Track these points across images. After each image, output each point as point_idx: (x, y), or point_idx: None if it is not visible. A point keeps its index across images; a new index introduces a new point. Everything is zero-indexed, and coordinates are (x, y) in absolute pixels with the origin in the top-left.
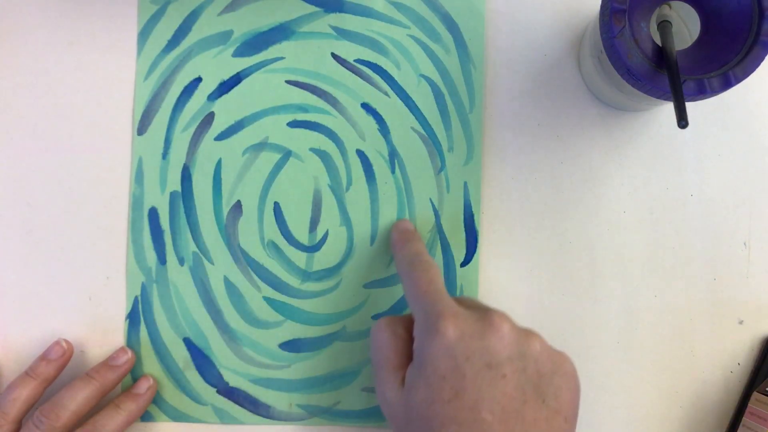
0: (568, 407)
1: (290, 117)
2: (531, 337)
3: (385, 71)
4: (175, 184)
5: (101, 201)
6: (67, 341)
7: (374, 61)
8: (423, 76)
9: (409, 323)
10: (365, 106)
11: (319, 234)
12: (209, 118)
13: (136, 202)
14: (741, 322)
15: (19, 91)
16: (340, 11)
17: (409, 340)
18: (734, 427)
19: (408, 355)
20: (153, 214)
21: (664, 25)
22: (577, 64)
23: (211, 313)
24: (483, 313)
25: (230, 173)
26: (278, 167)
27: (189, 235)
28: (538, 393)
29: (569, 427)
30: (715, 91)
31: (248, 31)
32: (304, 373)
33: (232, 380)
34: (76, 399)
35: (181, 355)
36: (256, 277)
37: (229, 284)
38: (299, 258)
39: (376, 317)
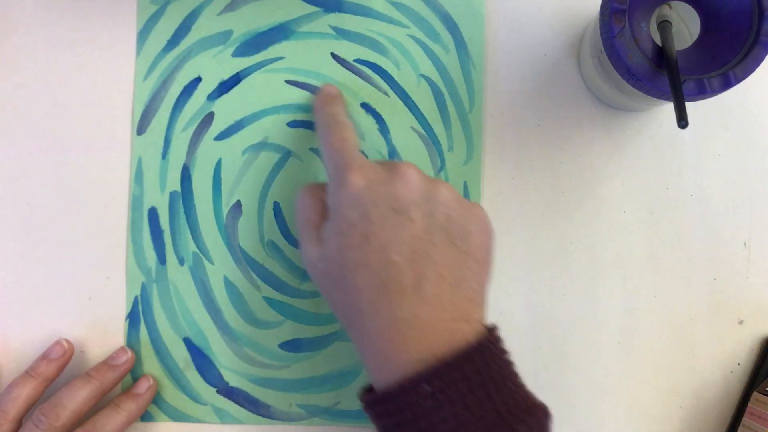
0: (479, 250)
1: (290, 117)
2: (439, 184)
3: (385, 71)
4: (174, 184)
5: (101, 201)
6: (68, 341)
7: (374, 61)
8: (423, 75)
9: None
10: (365, 106)
11: None
12: (209, 118)
13: (136, 202)
14: (741, 322)
15: (19, 91)
16: (340, 11)
17: None
18: (734, 427)
19: (327, 215)
20: (153, 214)
21: (664, 25)
22: (577, 64)
23: (211, 313)
24: (390, 164)
25: (230, 173)
26: (278, 167)
27: (189, 235)
28: (448, 236)
29: (480, 268)
30: (715, 91)
31: (248, 31)
32: (304, 373)
33: (232, 380)
34: (75, 398)
35: (181, 355)
36: (256, 277)
37: (229, 284)
38: (299, 258)
39: None
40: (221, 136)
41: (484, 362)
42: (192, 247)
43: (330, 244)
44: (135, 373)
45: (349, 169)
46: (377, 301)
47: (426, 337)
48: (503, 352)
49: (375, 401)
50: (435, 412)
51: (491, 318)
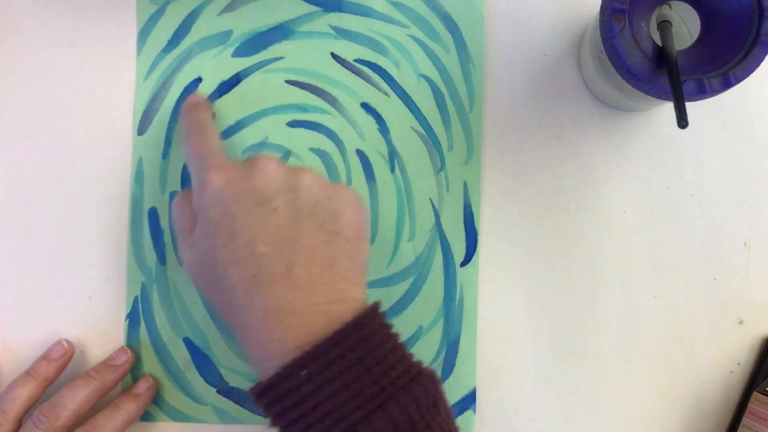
0: (350, 229)
1: (290, 117)
2: (301, 172)
3: (385, 71)
4: (175, 184)
5: (101, 201)
6: (68, 341)
7: (374, 61)
8: (423, 75)
9: None
10: (365, 106)
11: None
12: None
13: (136, 202)
14: (741, 322)
15: (19, 91)
16: (340, 11)
17: None
18: (734, 427)
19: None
20: (153, 214)
21: (664, 25)
22: (577, 64)
23: (211, 313)
24: (250, 159)
25: None
26: None
27: None
28: (315, 220)
29: (354, 247)
30: (715, 91)
31: (248, 31)
32: None
33: (232, 380)
34: (75, 399)
35: (181, 355)
36: None
37: None
38: None
39: None
40: (221, 136)
41: (360, 338)
42: None
43: (200, 246)
44: (135, 373)
45: (208, 170)
46: (251, 295)
47: (302, 322)
48: (384, 326)
49: (260, 393)
50: (315, 394)
51: (492, 318)
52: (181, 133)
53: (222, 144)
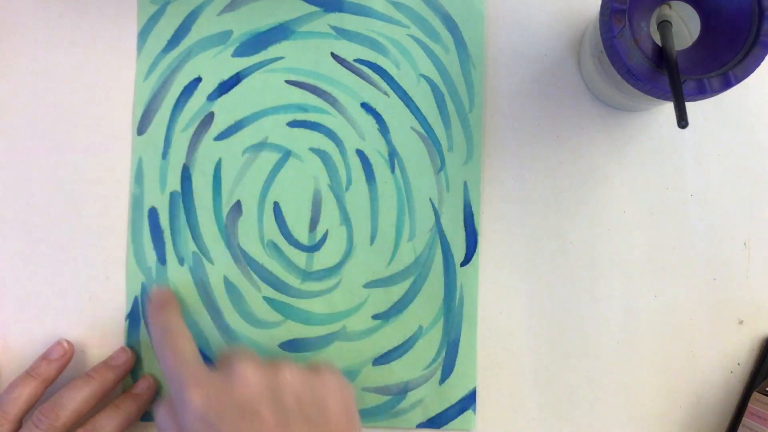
0: (338, 417)
1: (290, 117)
2: (279, 369)
3: (385, 71)
4: (175, 184)
5: (101, 201)
6: (68, 341)
7: (374, 61)
8: (423, 75)
9: None
10: (365, 106)
11: (319, 234)
12: (209, 118)
13: (135, 202)
14: (741, 322)
15: (19, 91)
16: (340, 11)
17: None
18: (734, 427)
19: None
20: (153, 214)
21: (664, 25)
22: (577, 64)
23: (211, 313)
24: (226, 367)
25: (230, 173)
26: (278, 167)
27: (189, 235)
28: (303, 417)
29: None
30: (715, 91)
31: (248, 31)
32: None
33: None
34: (75, 399)
35: None
36: (256, 277)
37: (229, 284)
38: (299, 258)
39: (375, 317)
40: (221, 136)
41: None
42: (192, 247)
43: None
44: (135, 373)
45: (186, 387)
46: None
47: None
48: None
49: None
50: None
51: (492, 318)
52: (150, 336)
53: (196, 349)
